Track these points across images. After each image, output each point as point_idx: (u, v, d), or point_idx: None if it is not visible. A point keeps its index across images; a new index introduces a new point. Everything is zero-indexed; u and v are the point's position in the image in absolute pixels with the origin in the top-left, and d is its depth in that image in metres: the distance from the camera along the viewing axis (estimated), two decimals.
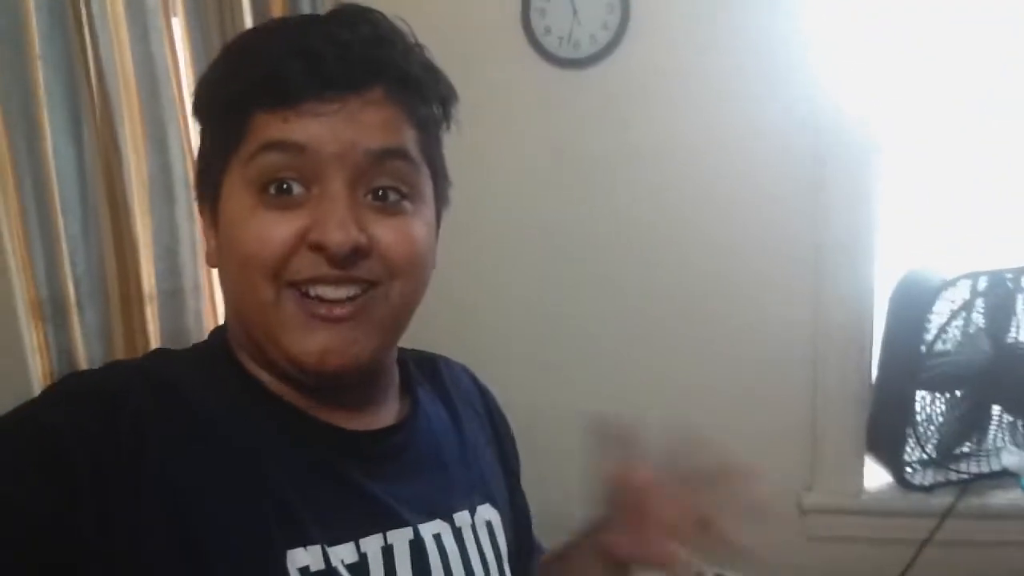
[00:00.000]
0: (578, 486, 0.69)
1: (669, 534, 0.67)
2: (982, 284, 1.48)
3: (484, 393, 0.83)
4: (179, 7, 1.50)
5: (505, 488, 0.78)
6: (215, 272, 0.76)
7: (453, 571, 0.64)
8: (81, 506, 0.50)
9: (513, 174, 1.58)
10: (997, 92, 1.52)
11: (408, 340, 0.69)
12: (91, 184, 1.51)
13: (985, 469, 1.56)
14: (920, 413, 1.52)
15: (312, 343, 0.58)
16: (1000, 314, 1.50)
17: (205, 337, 0.70)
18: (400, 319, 0.64)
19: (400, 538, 0.62)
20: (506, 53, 1.53)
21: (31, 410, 0.55)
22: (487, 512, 0.70)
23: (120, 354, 1.54)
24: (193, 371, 0.62)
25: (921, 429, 1.52)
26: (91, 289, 1.54)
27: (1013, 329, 1.50)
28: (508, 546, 0.72)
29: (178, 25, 1.52)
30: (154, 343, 1.56)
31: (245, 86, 0.58)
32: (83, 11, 1.45)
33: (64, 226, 1.50)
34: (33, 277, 1.51)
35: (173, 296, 1.57)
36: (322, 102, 0.57)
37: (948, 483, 1.54)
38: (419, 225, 0.62)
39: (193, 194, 0.68)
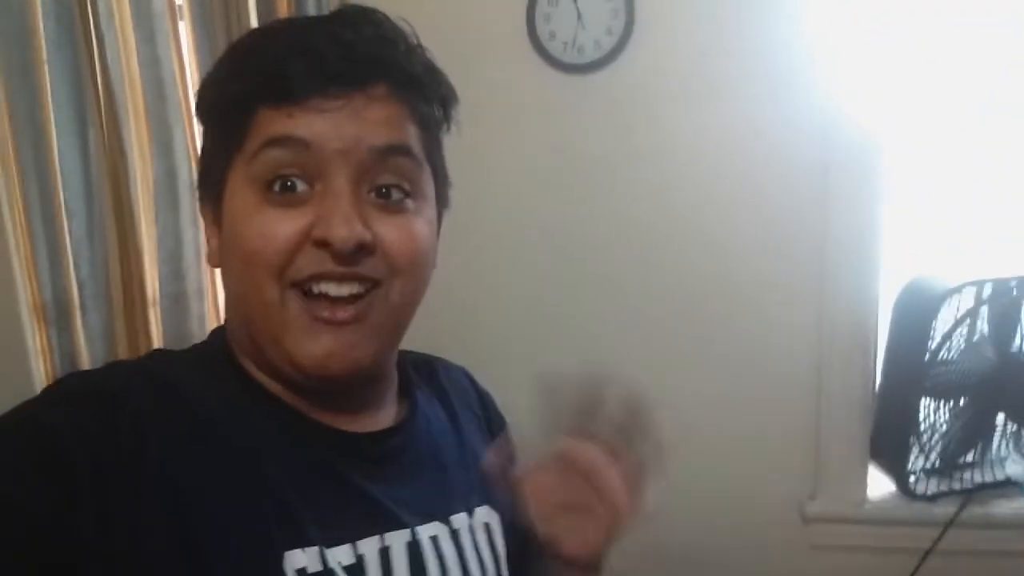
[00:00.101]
0: None
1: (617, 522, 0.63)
2: (987, 292, 1.47)
3: (483, 395, 0.83)
4: (185, 11, 1.50)
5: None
6: (219, 276, 0.75)
7: (450, 573, 0.64)
8: (81, 506, 0.50)
9: (516, 176, 1.57)
10: (1002, 96, 1.52)
11: (408, 340, 0.69)
12: (96, 187, 1.52)
13: (989, 478, 1.55)
14: (924, 421, 1.51)
15: (315, 347, 0.58)
16: (1005, 322, 1.49)
17: None
18: (400, 320, 0.64)
19: (398, 540, 0.62)
20: (510, 57, 1.53)
21: (31, 410, 0.55)
22: (485, 514, 0.70)
23: (123, 357, 1.54)
24: (193, 371, 0.62)
25: (925, 438, 1.51)
26: (95, 292, 1.54)
27: (1018, 337, 1.49)
28: (507, 547, 0.71)
29: (184, 29, 1.52)
30: (157, 347, 1.56)
31: (249, 84, 0.58)
32: (90, 14, 1.45)
33: (69, 229, 1.51)
34: (37, 280, 1.52)
35: (177, 300, 1.57)
36: (326, 98, 0.57)
37: (952, 492, 1.53)
38: (421, 224, 0.62)
39: (196, 195, 0.68)
